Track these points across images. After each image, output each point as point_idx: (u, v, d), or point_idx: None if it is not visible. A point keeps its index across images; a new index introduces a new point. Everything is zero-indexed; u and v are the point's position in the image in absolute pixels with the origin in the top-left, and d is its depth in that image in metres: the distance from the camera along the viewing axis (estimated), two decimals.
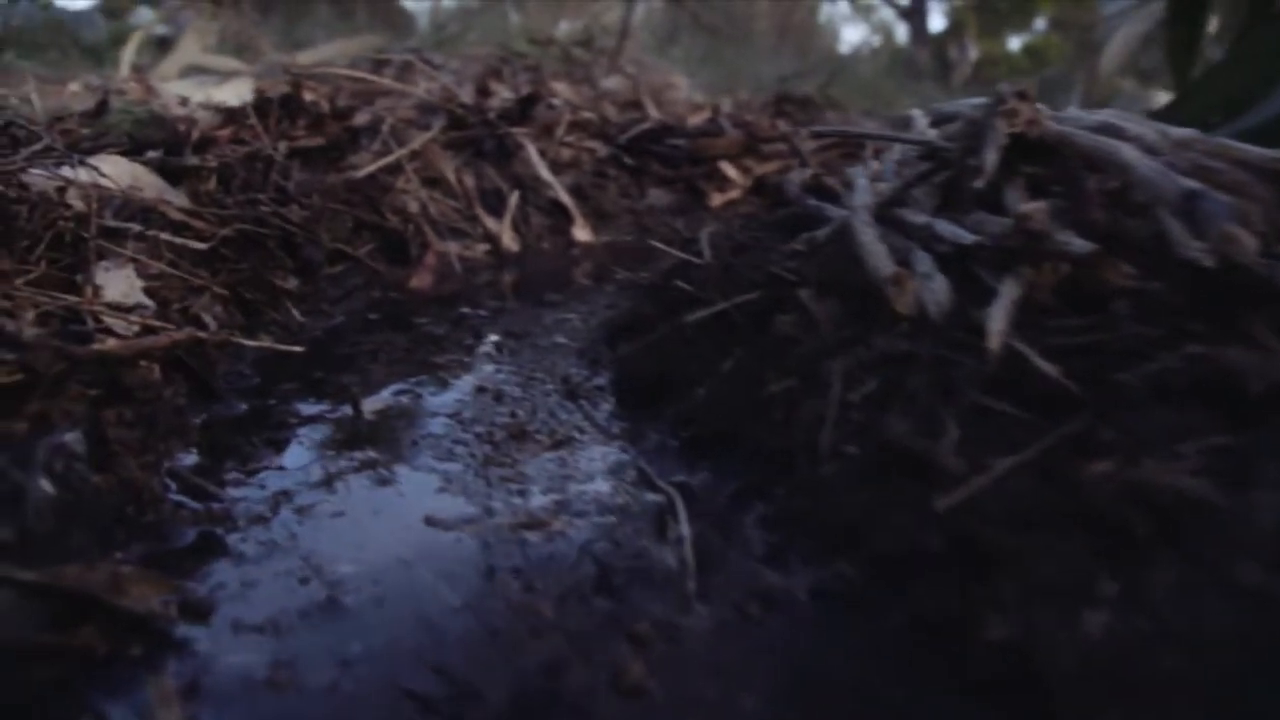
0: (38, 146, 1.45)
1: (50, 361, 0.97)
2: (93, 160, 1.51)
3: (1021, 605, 0.77)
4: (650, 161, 2.58)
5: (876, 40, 18.59)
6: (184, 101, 2.30)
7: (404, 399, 1.37)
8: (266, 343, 1.34)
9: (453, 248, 2.08)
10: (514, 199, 2.25)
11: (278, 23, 8.48)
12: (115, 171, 1.51)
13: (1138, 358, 0.95)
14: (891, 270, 1.08)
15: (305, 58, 4.31)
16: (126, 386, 1.09)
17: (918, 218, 1.25)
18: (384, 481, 1.11)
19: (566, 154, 2.48)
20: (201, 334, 1.21)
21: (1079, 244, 1.03)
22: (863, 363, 1.05)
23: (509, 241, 2.18)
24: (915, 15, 15.04)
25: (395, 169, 2.15)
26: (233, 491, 1.08)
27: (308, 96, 2.18)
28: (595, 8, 10.01)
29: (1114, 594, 0.76)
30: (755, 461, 1.08)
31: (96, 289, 1.25)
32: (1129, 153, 1.08)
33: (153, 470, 1.06)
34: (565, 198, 2.31)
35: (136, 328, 1.23)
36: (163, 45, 5.68)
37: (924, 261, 1.13)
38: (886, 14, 17.63)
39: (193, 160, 1.61)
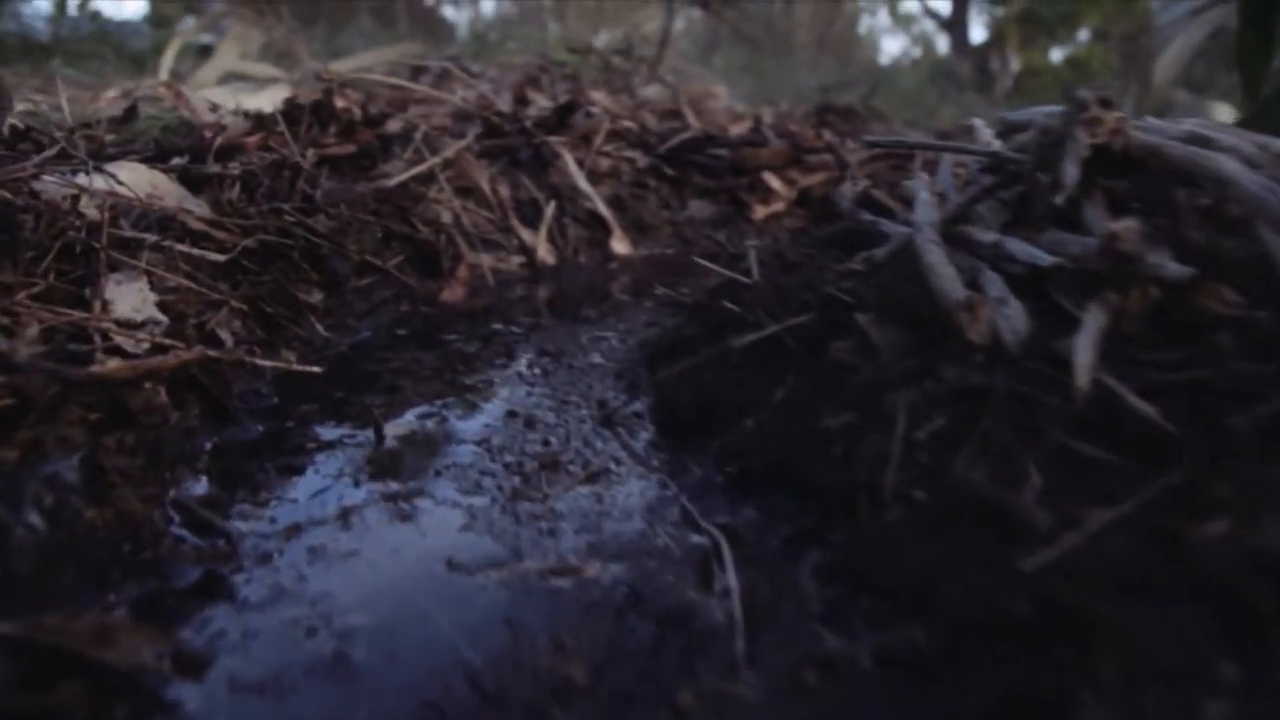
0: (50, 153, 1.38)
1: (43, 385, 0.89)
2: (110, 167, 1.43)
3: (1126, 688, 0.66)
4: (691, 172, 2.48)
5: (916, 52, 18.40)
6: (214, 108, 2.23)
7: (429, 423, 1.28)
8: (285, 362, 1.26)
9: (486, 260, 1.99)
10: (550, 210, 2.17)
11: (320, 32, 8.48)
12: (133, 179, 1.44)
13: (1247, 398, 0.84)
14: (963, 295, 0.97)
15: (343, 65, 4.26)
16: (129, 410, 1.01)
17: (985, 236, 1.14)
18: (404, 517, 1.02)
19: (605, 164, 2.39)
20: (214, 353, 1.12)
21: (1175, 268, 0.92)
22: (930, 397, 0.95)
23: (545, 254, 2.09)
24: (956, 27, 14.89)
25: (428, 178, 2.07)
26: (240, 525, 1.00)
27: (339, 103, 2.11)
28: (634, 18, 9.95)
29: (1236, 679, 0.65)
30: (810, 503, 0.98)
31: (105, 304, 1.17)
32: (1230, 165, 0.97)
33: (155, 502, 0.98)
34: (603, 209, 2.21)
35: (146, 345, 1.15)
36: (205, 53, 5.67)
37: (996, 284, 1.03)
38: (927, 25, 17.46)
39: (214, 168, 1.53)
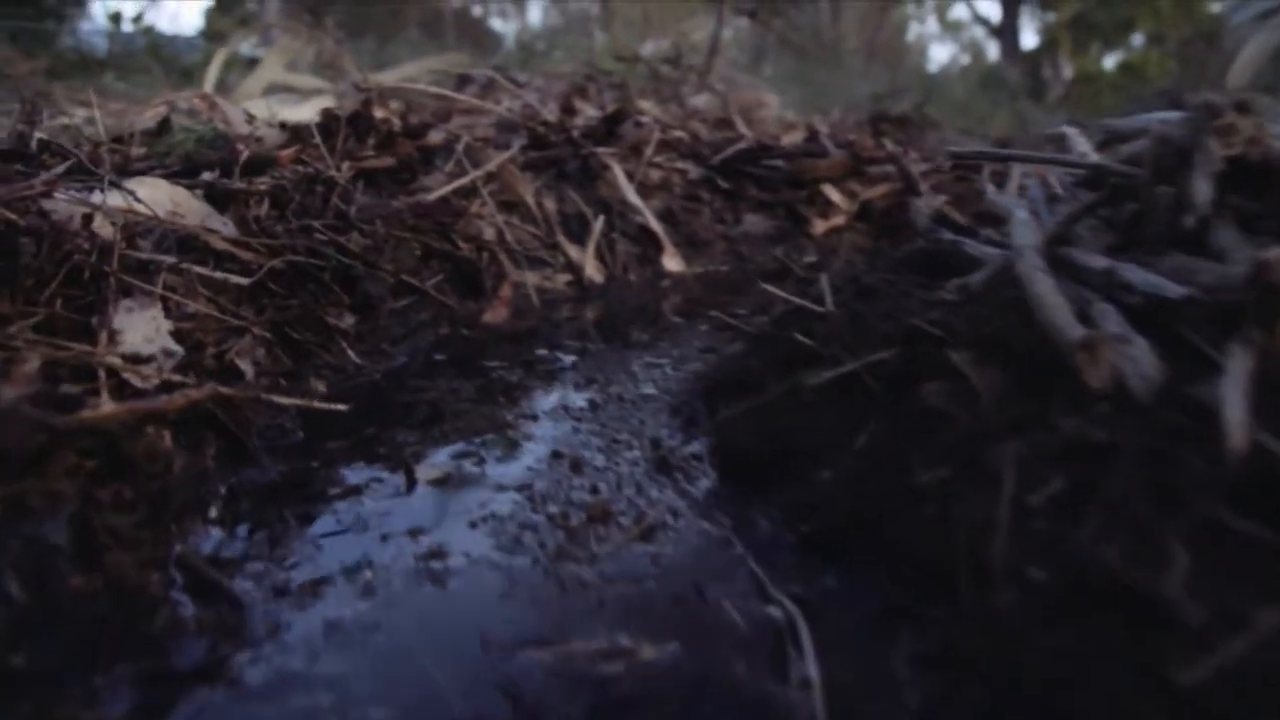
0: (60, 169, 1.27)
1: (24, 434, 0.78)
2: (129, 183, 1.33)
3: None
4: (746, 184, 2.34)
5: (965, 59, 18.12)
6: (250, 120, 2.14)
7: (466, 464, 1.15)
8: (307, 398, 1.14)
9: (530, 278, 1.87)
10: (598, 225, 2.04)
11: (369, 44, 8.45)
12: (153, 196, 1.33)
13: None
14: (1079, 332, 0.83)
15: (387, 76, 4.18)
16: (129, 457, 0.89)
17: (1094, 261, 0.99)
18: (435, 580, 0.90)
19: (656, 176, 2.27)
20: (227, 390, 1.01)
21: None
22: (1043, 452, 0.81)
23: (592, 271, 1.96)
24: (1006, 33, 14.63)
25: (469, 192, 1.95)
26: (251, 588, 0.88)
27: (378, 114, 2.00)
28: (682, 27, 9.83)
29: None
30: (901, 573, 0.84)
31: (113, 334, 1.06)
32: None
33: (155, 564, 0.86)
34: (654, 224, 2.09)
35: (157, 381, 1.04)
36: (254, 65, 5.63)
37: (1113, 319, 0.88)
38: (976, 32, 17.21)
39: (239, 184, 1.42)
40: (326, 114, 1.98)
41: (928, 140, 4.37)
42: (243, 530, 0.98)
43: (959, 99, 9.36)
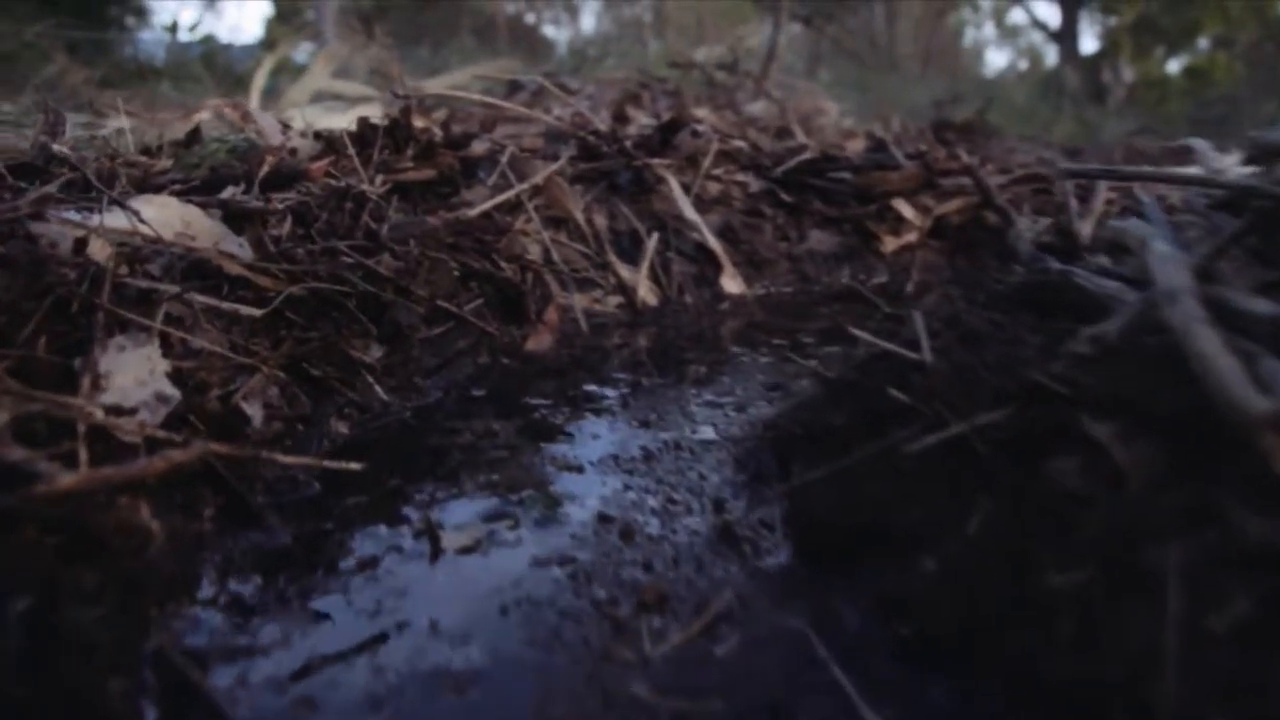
0: (51, 187, 1.13)
1: None
2: (136, 202, 1.19)
3: None
4: (810, 198, 2.17)
5: (1023, 64, 17.72)
6: (285, 128, 2.01)
7: (500, 528, 0.99)
8: (317, 459, 0.98)
9: (578, 301, 1.71)
10: (652, 242, 1.88)
11: (423, 52, 8.38)
12: (160, 216, 1.19)
13: None
14: (1264, 405, 0.65)
15: (436, 83, 4.05)
16: (96, 534, 0.75)
17: (1255, 305, 0.81)
18: (456, 689, 0.74)
19: (714, 189, 2.10)
20: (222, 448, 0.86)
21: None
22: (1219, 558, 0.63)
23: (645, 293, 1.80)
24: (1065, 38, 14.28)
25: (514, 207, 1.80)
26: (238, 695, 0.72)
27: (418, 123, 1.86)
28: (736, 33, 9.64)
29: None
30: (1029, 701, 0.66)
31: (98, 378, 0.92)
32: None
33: (121, 666, 0.72)
34: (712, 241, 1.92)
35: (147, 434, 0.89)
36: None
37: None
38: (1034, 37, 16.84)
39: (256, 202, 1.27)
40: (362, 123, 1.84)
41: (992, 148, 4.16)
42: (235, 615, 0.83)
43: (1019, 105, 9.07)
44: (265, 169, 1.49)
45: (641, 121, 3.40)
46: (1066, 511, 0.72)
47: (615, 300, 1.78)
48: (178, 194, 1.47)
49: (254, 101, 3.74)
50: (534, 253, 1.73)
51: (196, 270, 1.20)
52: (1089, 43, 15.32)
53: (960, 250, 2.18)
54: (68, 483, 0.70)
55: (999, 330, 0.94)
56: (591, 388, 1.43)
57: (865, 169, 2.23)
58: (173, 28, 7.16)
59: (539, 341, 1.60)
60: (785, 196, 2.16)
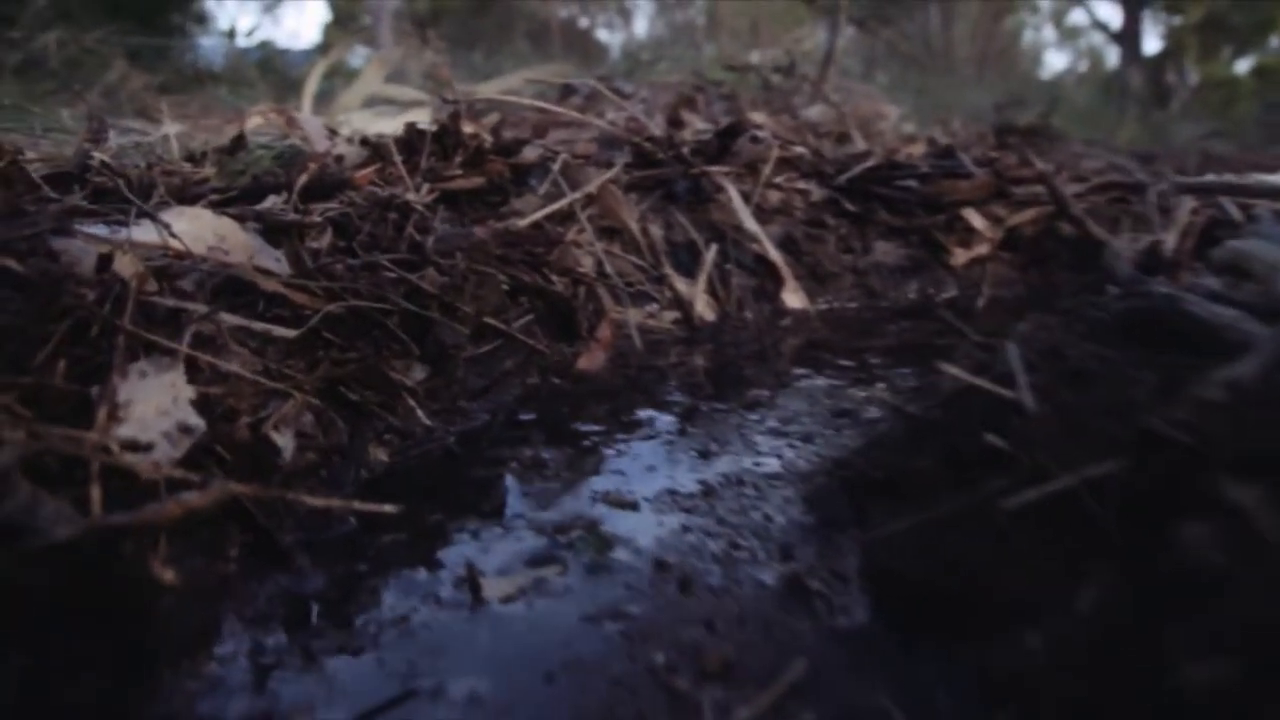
0: (77, 198, 1.06)
1: None
2: (168, 214, 1.12)
3: None
4: (875, 207, 2.05)
5: (1081, 66, 17.36)
6: (332, 134, 1.94)
7: (548, 574, 0.90)
8: (346, 501, 0.90)
9: (633, 316, 1.62)
10: (711, 254, 1.78)
11: (478, 57, 8.36)
12: (193, 229, 1.12)
13: None
14: None
15: (488, 87, 3.99)
16: (100, 589, 0.67)
17: None
18: None
19: (774, 197, 1.99)
20: (242, 489, 0.77)
21: None
22: None
23: (703, 308, 1.70)
24: (1127, 38, 13.94)
25: (566, 216, 1.71)
26: None
27: (467, 129, 1.78)
28: (789, 37, 9.51)
29: None
30: None
31: (115, 408, 0.84)
32: None
33: None
34: (773, 253, 1.81)
35: (167, 471, 0.81)
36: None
37: None
38: (1095, 38, 16.51)
39: (293, 215, 1.19)
40: (410, 129, 1.76)
41: (1058, 153, 4.00)
42: (255, 674, 0.75)
43: (1080, 108, 8.83)
44: (305, 177, 1.42)
45: (697, 126, 3.30)
46: (1200, 587, 0.61)
47: (671, 315, 1.69)
48: (216, 204, 1.40)
49: (306, 106, 3.70)
50: (586, 265, 1.64)
51: (230, 286, 1.12)
52: (1152, 43, 14.94)
53: (1034, 264, 2.05)
54: (66, 533, 0.62)
55: (1104, 366, 0.82)
56: (647, 412, 1.33)
57: (933, 177, 2.11)
58: (230, 33, 7.19)
59: (591, 360, 1.51)
60: (849, 205, 2.05)
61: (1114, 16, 14.83)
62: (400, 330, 1.21)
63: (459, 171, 1.72)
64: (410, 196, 1.50)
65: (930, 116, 5.49)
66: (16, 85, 4.95)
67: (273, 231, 1.23)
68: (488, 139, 1.80)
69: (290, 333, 1.06)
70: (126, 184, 1.24)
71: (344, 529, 0.98)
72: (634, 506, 1.04)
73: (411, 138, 1.75)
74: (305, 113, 3.76)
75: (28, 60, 5.50)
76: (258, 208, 1.30)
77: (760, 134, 2.14)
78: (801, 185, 2.06)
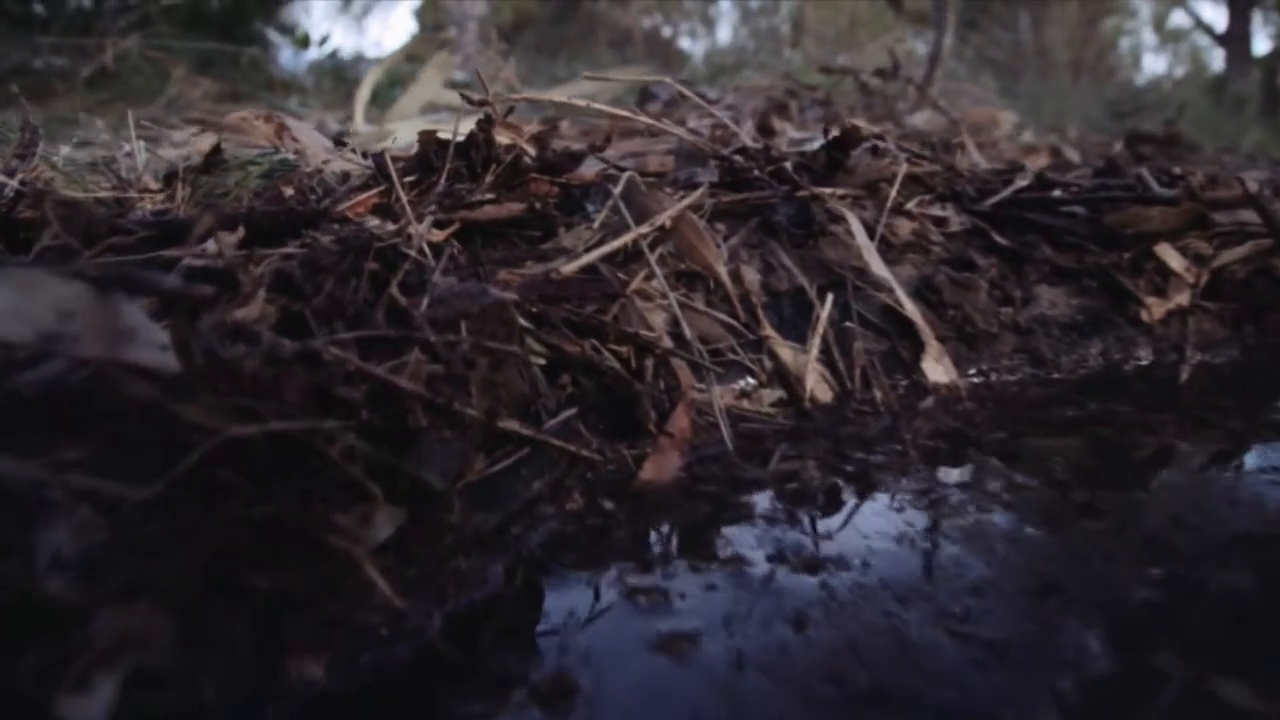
0: None
1: None
2: None
3: None
4: (1034, 241, 1.54)
5: (1179, 70, 16.33)
6: (339, 145, 1.50)
7: None
8: None
9: (719, 397, 1.14)
10: (826, 308, 1.29)
11: (558, 68, 7.95)
12: (21, 303, 0.67)
13: None
14: None
15: (559, 93, 3.53)
16: None
17: None
18: None
19: (905, 228, 1.49)
20: None
21: None
22: None
23: (815, 384, 1.21)
24: (1234, 40, 13.05)
25: (631, 257, 1.24)
26: None
27: (502, 139, 1.32)
28: (880, 42, 8.92)
29: None
30: None
31: None
32: None
33: None
34: (909, 306, 1.31)
35: None
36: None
37: None
38: (1198, 40, 15.57)
39: (195, 287, 0.72)
40: (426, 138, 1.31)
41: (1199, 164, 3.42)
42: None
43: (1199, 115, 8.07)
44: (260, 206, 0.97)
45: (790, 135, 2.81)
46: None
47: (772, 395, 1.20)
48: (134, 248, 0.96)
49: (359, 115, 3.29)
50: (657, 325, 1.17)
51: (67, 397, 0.67)
52: (1261, 44, 13.97)
53: (1248, 316, 1.52)
54: None
55: None
56: (747, 566, 0.85)
57: (1110, 201, 1.59)
58: (304, 40, 6.90)
59: (660, 466, 1.03)
60: (999, 238, 1.54)
61: (1218, 18, 13.90)
62: (355, 458, 0.75)
63: (489, 196, 1.26)
64: (418, 231, 1.05)
65: (1041, 124, 4.91)
66: (90, 95, 4.67)
67: (169, 301, 0.78)
68: (529, 151, 1.33)
69: (140, 492, 0.60)
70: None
71: None
72: None
73: (429, 151, 1.29)
74: (358, 120, 3.35)
75: (104, 72, 5.24)
76: (147, 264, 0.85)
77: (882, 144, 1.64)
78: (938, 211, 1.56)
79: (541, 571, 0.86)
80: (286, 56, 7.83)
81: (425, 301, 0.91)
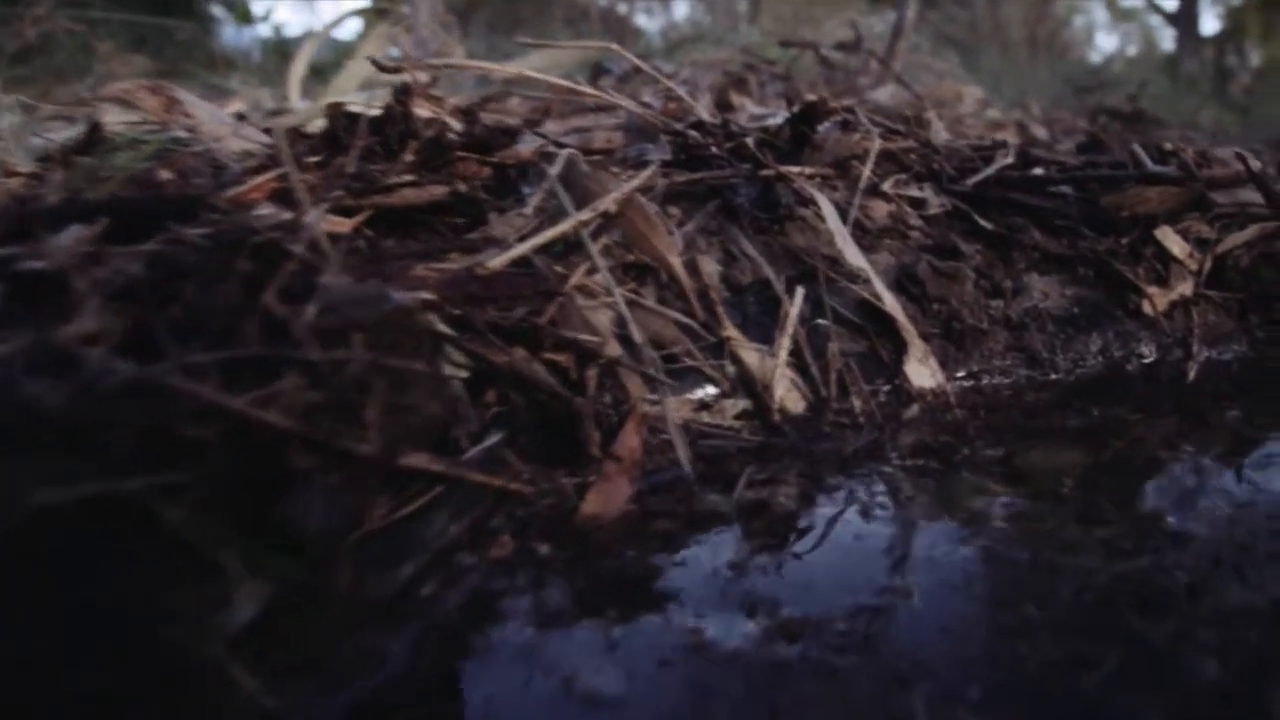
0: None
1: None
2: None
3: None
4: (1022, 224, 1.39)
5: (1131, 49, 16.35)
6: (240, 120, 1.32)
7: None
8: None
9: (673, 409, 0.97)
10: (796, 303, 1.12)
11: (508, 45, 7.70)
12: None
13: None
14: None
15: (510, 68, 3.34)
16: None
17: None
18: None
19: (881, 211, 1.34)
20: None
21: None
22: None
23: (785, 393, 1.05)
24: (1184, 19, 13.08)
25: (571, 247, 1.07)
26: None
27: (422, 111, 1.14)
28: (830, 23, 8.76)
29: None
30: None
31: None
32: None
33: None
34: (889, 300, 1.16)
35: None
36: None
37: None
38: (1148, 20, 15.59)
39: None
40: (334, 112, 1.12)
41: (1164, 140, 3.31)
42: None
43: (1156, 92, 8.01)
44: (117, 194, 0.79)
45: (750, 110, 2.64)
46: None
47: (737, 407, 1.03)
48: None
49: (293, 91, 3.07)
50: (601, 327, 1.00)
51: None
52: (1209, 24, 14.06)
53: (1253, 305, 1.38)
54: None
55: None
56: (710, 633, 0.69)
57: (1100, 180, 1.44)
58: (244, 15, 6.61)
59: (606, 498, 0.86)
60: (983, 222, 1.38)
61: None
62: (205, 521, 0.57)
63: (407, 178, 1.08)
64: (309, 222, 0.86)
65: (1003, 100, 4.78)
66: (8, 71, 4.39)
67: None
68: (454, 126, 1.15)
69: None
70: None
71: None
72: None
73: (338, 128, 1.11)
74: (292, 97, 3.14)
75: (27, 46, 4.95)
76: None
77: (852, 117, 1.47)
78: (915, 192, 1.40)
79: (457, 645, 0.69)
80: (230, 34, 7.53)
81: (310, 311, 0.73)
